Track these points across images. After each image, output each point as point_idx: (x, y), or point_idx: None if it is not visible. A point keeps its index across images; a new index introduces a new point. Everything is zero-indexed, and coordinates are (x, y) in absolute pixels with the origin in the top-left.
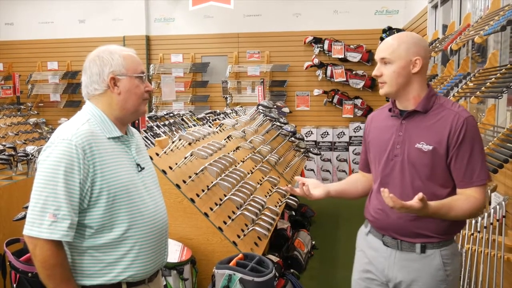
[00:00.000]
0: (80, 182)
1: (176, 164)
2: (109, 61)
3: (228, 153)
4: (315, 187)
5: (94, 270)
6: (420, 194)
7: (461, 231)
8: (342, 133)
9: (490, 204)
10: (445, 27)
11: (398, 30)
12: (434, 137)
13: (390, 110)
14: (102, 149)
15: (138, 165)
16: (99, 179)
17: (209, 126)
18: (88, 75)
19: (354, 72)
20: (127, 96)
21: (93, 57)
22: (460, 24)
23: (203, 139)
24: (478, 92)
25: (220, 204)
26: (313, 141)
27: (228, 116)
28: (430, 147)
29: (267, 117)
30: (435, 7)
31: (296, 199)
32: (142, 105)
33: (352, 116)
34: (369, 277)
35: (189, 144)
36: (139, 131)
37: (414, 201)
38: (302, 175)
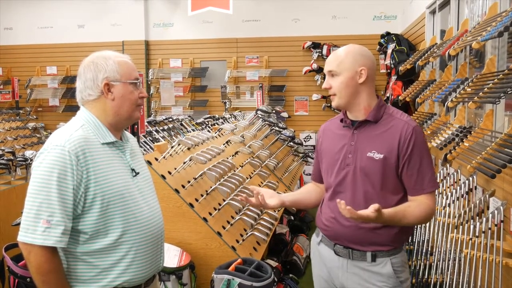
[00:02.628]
0: (74, 188)
1: (175, 169)
2: (104, 67)
3: (227, 158)
4: (270, 197)
5: (89, 275)
6: (376, 205)
7: (459, 237)
8: None
9: (488, 209)
10: (443, 32)
11: (396, 36)
12: (385, 145)
13: (341, 120)
14: (96, 154)
15: (132, 170)
16: (93, 184)
17: (208, 131)
18: (83, 80)
19: None
20: (121, 102)
21: (88, 63)
22: (458, 30)
23: (202, 144)
24: (476, 98)
25: (219, 209)
26: (312, 145)
27: (227, 121)
28: (381, 156)
29: (266, 122)
30: (433, 12)
31: None
32: (136, 111)
33: None
34: (325, 286)
35: (188, 149)
36: (138, 135)
37: (370, 211)
38: (301, 179)
